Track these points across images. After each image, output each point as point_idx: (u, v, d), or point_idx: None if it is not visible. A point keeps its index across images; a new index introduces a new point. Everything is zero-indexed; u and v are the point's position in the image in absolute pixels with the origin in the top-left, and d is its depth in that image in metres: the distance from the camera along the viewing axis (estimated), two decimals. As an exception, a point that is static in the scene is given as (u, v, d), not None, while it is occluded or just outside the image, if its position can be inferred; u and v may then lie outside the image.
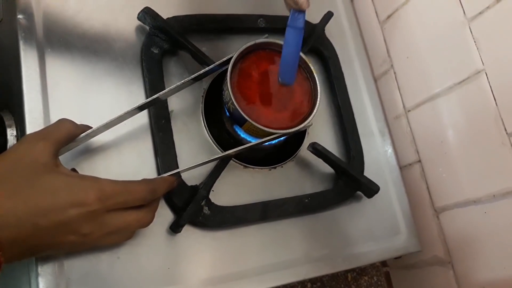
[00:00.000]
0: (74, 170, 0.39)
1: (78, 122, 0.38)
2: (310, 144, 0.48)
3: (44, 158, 0.33)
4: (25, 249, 0.32)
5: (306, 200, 0.48)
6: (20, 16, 0.42)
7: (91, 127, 0.39)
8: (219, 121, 0.48)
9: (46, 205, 0.31)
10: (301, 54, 0.45)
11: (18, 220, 0.30)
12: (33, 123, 0.40)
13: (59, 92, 0.42)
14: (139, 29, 0.47)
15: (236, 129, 0.47)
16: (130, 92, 0.45)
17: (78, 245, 0.34)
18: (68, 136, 0.36)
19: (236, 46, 0.43)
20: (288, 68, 0.43)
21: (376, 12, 0.61)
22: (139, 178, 0.38)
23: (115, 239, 0.36)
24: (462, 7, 0.49)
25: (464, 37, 0.49)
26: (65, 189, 0.32)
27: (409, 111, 0.57)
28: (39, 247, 0.32)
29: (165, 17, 0.46)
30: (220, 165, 0.45)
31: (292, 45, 0.42)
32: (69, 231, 0.32)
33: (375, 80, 0.61)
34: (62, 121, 0.37)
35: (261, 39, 0.44)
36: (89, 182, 0.33)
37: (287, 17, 0.54)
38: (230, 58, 0.43)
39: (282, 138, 0.47)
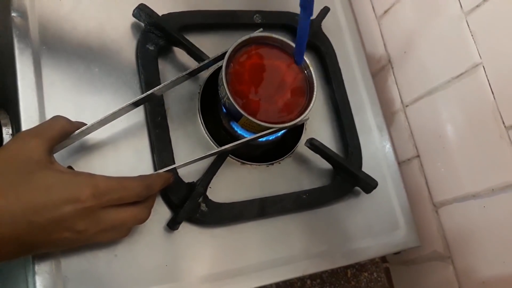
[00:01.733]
0: (70, 167, 0.39)
1: (73, 120, 0.38)
2: (307, 140, 0.48)
3: (38, 155, 0.33)
4: (20, 247, 0.32)
5: (304, 196, 0.48)
6: (14, 14, 0.42)
7: (86, 124, 0.39)
8: (215, 118, 0.48)
9: (40, 202, 0.31)
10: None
11: (12, 218, 0.30)
12: (29, 121, 0.39)
13: (54, 90, 0.42)
14: (134, 26, 0.47)
15: (233, 125, 0.46)
16: (126, 90, 0.44)
17: (74, 242, 0.34)
18: (62, 133, 0.36)
19: (232, 43, 0.43)
20: (302, 47, 0.43)
21: (373, 7, 0.61)
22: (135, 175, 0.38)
23: (111, 236, 0.36)
24: (459, 0, 0.49)
25: (461, 31, 0.49)
26: (59, 185, 0.32)
27: (407, 106, 0.57)
28: (34, 244, 0.32)
29: (160, 14, 0.46)
30: (217, 162, 0.44)
31: (305, 24, 0.41)
32: (64, 228, 0.32)
33: (373, 75, 0.60)
34: (56, 118, 0.37)
35: (256, 33, 0.44)
36: (84, 178, 0.33)
37: (284, 12, 0.54)
38: (225, 53, 0.42)
39: (279, 133, 0.47)
